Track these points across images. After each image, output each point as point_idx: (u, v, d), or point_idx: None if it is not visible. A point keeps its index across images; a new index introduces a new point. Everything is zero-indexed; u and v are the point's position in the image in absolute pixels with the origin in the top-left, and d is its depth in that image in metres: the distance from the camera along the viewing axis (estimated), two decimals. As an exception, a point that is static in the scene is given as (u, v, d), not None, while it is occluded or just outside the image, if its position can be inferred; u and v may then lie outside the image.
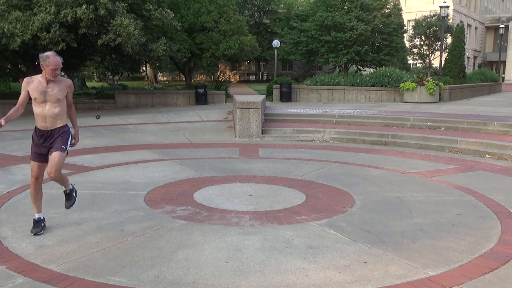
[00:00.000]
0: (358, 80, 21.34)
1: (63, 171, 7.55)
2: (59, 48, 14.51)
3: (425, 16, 32.64)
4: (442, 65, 24.35)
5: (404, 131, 12.05)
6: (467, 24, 52.41)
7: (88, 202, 5.77)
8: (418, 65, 36.70)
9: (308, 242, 4.48)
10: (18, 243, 4.42)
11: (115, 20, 14.56)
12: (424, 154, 9.90)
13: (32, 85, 4.38)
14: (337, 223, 5.10)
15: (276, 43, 30.64)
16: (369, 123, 13.19)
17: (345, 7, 28.36)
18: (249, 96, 17.31)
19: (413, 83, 19.38)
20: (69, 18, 14.04)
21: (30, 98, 4.47)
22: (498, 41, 49.49)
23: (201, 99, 20.31)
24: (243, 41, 23.43)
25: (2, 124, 4.27)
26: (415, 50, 33.21)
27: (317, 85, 21.50)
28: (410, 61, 35.93)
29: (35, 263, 3.96)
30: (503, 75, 52.02)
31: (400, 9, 31.87)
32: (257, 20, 44.20)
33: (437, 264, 4.01)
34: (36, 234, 4.59)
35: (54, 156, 4.40)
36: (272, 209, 5.61)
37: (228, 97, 22.20)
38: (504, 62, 53.50)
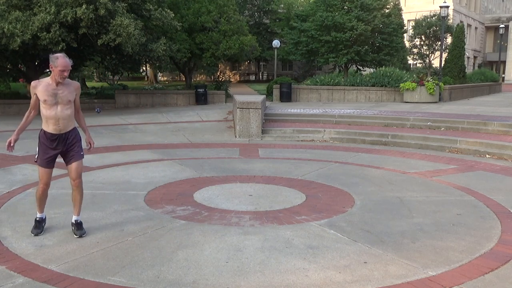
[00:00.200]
0: (358, 80, 21.34)
1: (63, 171, 7.56)
2: (59, 48, 14.50)
3: (425, 16, 32.64)
4: (442, 65, 24.35)
5: (404, 131, 12.05)
6: (467, 24, 52.41)
7: (88, 202, 5.77)
8: (418, 65, 36.71)
9: (308, 242, 4.48)
10: (18, 243, 4.42)
11: (115, 20, 14.56)
12: (424, 154, 9.90)
13: (39, 87, 4.33)
14: (337, 223, 5.10)
15: (276, 43, 30.64)
16: (369, 123, 13.19)
17: (345, 7, 28.36)
18: (249, 96, 17.31)
19: (413, 83, 19.38)
20: (69, 18, 14.03)
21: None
22: (498, 41, 49.49)
23: (201, 99, 20.31)
24: (243, 41, 23.43)
25: (12, 143, 4.45)
26: (415, 50, 33.22)
27: (317, 85, 21.50)
28: (410, 61, 35.93)
29: (35, 263, 3.96)
30: (503, 75, 52.02)
31: (400, 9, 31.87)
32: (257, 20, 44.20)
33: (437, 264, 4.01)
34: (36, 235, 4.58)
35: (77, 165, 4.55)
36: (272, 209, 5.61)
37: (228, 97, 22.20)
38: (504, 62, 53.50)
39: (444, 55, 26.45)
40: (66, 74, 4.29)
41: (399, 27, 29.14)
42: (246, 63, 47.66)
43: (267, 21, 44.28)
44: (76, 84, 4.54)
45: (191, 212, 5.44)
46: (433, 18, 31.81)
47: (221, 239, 4.55)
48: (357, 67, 31.01)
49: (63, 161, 4.69)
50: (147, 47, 17.05)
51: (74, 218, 4.69)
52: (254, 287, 3.56)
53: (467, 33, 46.64)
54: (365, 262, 4.02)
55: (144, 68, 42.34)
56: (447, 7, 23.29)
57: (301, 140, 11.98)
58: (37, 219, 4.68)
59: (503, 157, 9.43)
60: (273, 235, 4.68)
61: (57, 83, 4.32)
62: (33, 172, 7.51)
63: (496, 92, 31.47)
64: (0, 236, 4.61)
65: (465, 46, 28.08)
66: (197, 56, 24.14)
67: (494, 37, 59.57)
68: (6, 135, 11.41)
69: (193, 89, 21.27)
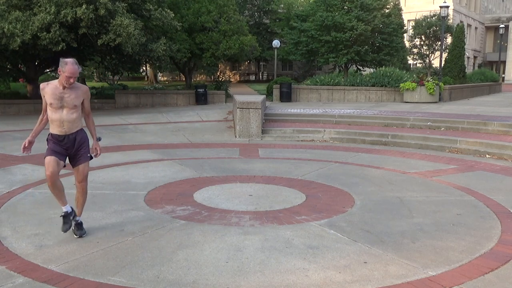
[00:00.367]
0: (358, 80, 21.35)
1: (63, 171, 7.56)
2: (59, 48, 14.52)
3: (425, 16, 32.65)
4: (442, 65, 24.35)
5: (404, 131, 12.05)
6: (467, 24, 52.41)
7: (88, 202, 5.73)
8: (418, 65, 36.71)
9: (308, 242, 4.48)
10: (18, 243, 4.42)
11: (115, 20, 14.56)
12: (424, 154, 9.90)
13: (47, 90, 4.31)
14: (337, 223, 5.10)
15: (276, 43, 30.64)
16: (369, 123, 13.19)
17: (345, 7, 28.36)
18: (249, 96, 17.32)
19: (413, 83, 19.38)
20: (69, 18, 14.04)
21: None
22: (498, 41, 49.49)
23: (201, 99, 20.31)
24: (243, 41, 23.43)
25: (27, 144, 4.35)
26: (415, 50, 33.23)
27: (317, 85, 21.50)
28: (410, 61, 35.94)
29: (35, 263, 3.96)
30: (503, 75, 52.02)
31: (400, 9, 31.87)
32: (257, 20, 44.19)
33: (437, 264, 4.01)
34: (65, 231, 4.50)
35: (83, 167, 4.55)
36: (272, 209, 5.61)
37: (228, 97, 22.20)
38: (504, 62, 53.50)
39: (444, 55, 26.45)
40: (72, 80, 4.26)
41: (399, 27, 29.14)
42: (246, 63, 47.66)
43: (267, 21, 44.28)
44: (84, 88, 4.50)
45: (191, 212, 5.44)
46: (433, 18, 31.82)
47: (221, 239, 4.55)
48: (357, 67, 31.01)
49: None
50: (147, 47, 17.06)
51: (76, 218, 4.66)
52: (254, 287, 3.56)
53: (467, 33, 46.64)
54: (365, 262, 4.02)
55: (144, 68, 42.33)
56: (447, 7, 23.30)
57: (301, 140, 11.98)
58: (63, 214, 4.52)
59: (503, 157, 9.43)
60: (273, 235, 4.68)
61: (64, 87, 4.30)
62: (33, 172, 7.52)
63: (496, 92, 31.48)
64: (0, 236, 4.61)
65: (465, 46, 28.08)
66: (197, 56, 24.14)
67: (494, 37, 59.58)
68: (6, 135, 11.45)
69: (193, 89, 21.27)
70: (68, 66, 4.19)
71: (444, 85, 20.65)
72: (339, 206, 5.76)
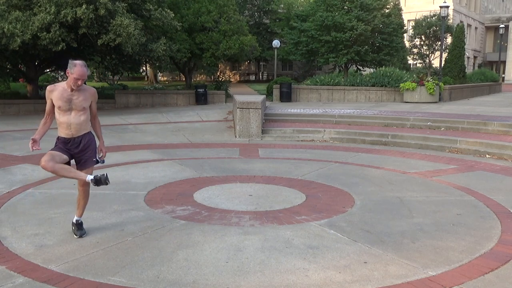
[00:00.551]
0: (358, 80, 21.35)
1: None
2: (59, 48, 14.52)
3: (425, 16, 32.65)
4: (442, 65, 24.35)
5: (404, 131, 12.05)
6: (467, 24, 52.41)
7: (88, 202, 5.76)
8: (418, 65, 36.71)
9: (308, 242, 4.48)
10: (18, 243, 4.42)
11: (115, 20, 14.56)
12: (424, 154, 9.90)
13: (55, 93, 4.24)
14: (337, 223, 5.10)
15: (276, 43, 30.63)
16: (369, 123, 13.19)
17: (345, 7, 28.36)
18: (249, 96, 17.32)
19: (413, 83, 19.38)
20: (69, 18, 14.04)
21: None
22: (498, 41, 49.50)
23: (201, 99, 20.31)
24: (243, 41, 23.43)
25: (35, 143, 4.19)
26: (415, 50, 33.22)
27: (317, 85, 21.50)
28: (410, 61, 35.93)
29: (35, 263, 3.96)
30: (503, 75, 52.02)
31: (400, 9, 31.86)
32: (257, 20, 44.19)
33: (437, 264, 4.01)
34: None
35: (87, 172, 4.48)
36: (272, 209, 5.61)
37: (228, 97, 22.20)
38: (504, 62, 53.50)
39: (444, 55, 26.45)
40: (80, 83, 4.21)
41: (399, 27, 29.14)
42: (246, 63, 47.67)
43: (267, 21, 44.28)
44: (92, 90, 4.46)
45: (191, 212, 5.44)
46: (433, 18, 31.82)
47: (221, 239, 4.55)
48: (357, 67, 31.01)
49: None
50: (147, 47, 17.06)
51: (75, 218, 4.66)
52: (254, 287, 3.56)
53: (467, 33, 46.64)
54: (365, 262, 4.02)
55: (144, 68, 42.33)
56: (447, 7, 23.30)
57: (301, 140, 11.98)
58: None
59: (503, 157, 9.43)
60: (273, 235, 4.68)
61: (72, 89, 4.25)
62: (33, 172, 7.52)
63: (496, 92, 31.48)
64: (0, 236, 4.61)
65: (465, 46, 28.09)
66: (197, 56, 24.14)
67: (494, 37, 59.58)
68: (6, 135, 11.45)
69: (193, 89, 21.27)
70: (77, 68, 4.14)
71: (444, 85, 20.66)
72: (339, 206, 5.76)
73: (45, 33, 14.09)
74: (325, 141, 11.95)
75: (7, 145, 10.24)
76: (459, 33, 26.69)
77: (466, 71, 28.78)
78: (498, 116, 13.03)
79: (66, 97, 4.24)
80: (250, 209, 5.62)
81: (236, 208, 5.62)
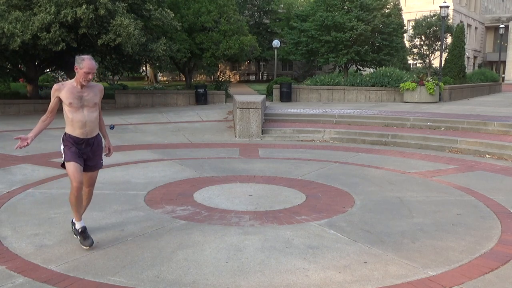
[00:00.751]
0: (358, 80, 21.35)
1: (64, 171, 7.56)
2: (59, 48, 14.52)
3: (425, 16, 32.65)
4: (442, 65, 24.35)
5: (404, 131, 12.06)
6: (467, 24, 52.41)
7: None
8: (418, 65, 36.72)
9: (308, 242, 4.48)
10: (18, 243, 4.42)
11: (115, 20, 14.56)
12: (424, 154, 9.90)
13: (64, 90, 4.15)
14: (337, 223, 5.10)
15: (276, 43, 30.64)
16: (369, 123, 13.19)
17: (345, 7, 28.37)
18: (249, 96, 17.32)
19: (413, 83, 19.38)
20: (69, 18, 14.03)
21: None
22: (498, 41, 49.50)
23: (201, 99, 20.31)
24: (243, 41, 23.43)
25: (29, 142, 4.12)
26: (415, 50, 33.22)
27: (317, 85, 21.50)
28: (410, 61, 35.94)
29: (35, 263, 3.96)
30: (503, 75, 52.04)
31: (400, 9, 31.87)
32: (257, 20, 44.20)
33: (437, 264, 4.01)
34: (91, 245, 4.25)
35: (94, 174, 4.46)
36: (272, 209, 5.61)
37: (228, 97, 22.20)
38: (504, 62, 53.51)
39: (444, 55, 26.45)
40: (91, 76, 4.14)
41: (399, 27, 29.15)
42: (246, 63, 47.67)
43: (267, 21, 44.28)
44: (100, 86, 4.40)
45: (191, 212, 5.44)
46: (433, 18, 31.82)
47: (221, 239, 4.55)
48: (357, 67, 31.01)
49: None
50: (147, 47, 17.05)
51: (78, 225, 4.45)
52: (254, 287, 3.56)
53: (467, 33, 46.65)
54: (365, 262, 4.02)
55: (144, 68, 42.33)
56: (447, 7, 23.30)
57: (301, 140, 11.98)
58: (80, 230, 4.32)
59: (503, 157, 9.43)
60: (273, 235, 4.68)
61: (82, 86, 4.17)
62: (33, 172, 7.52)
63: (496, 92, 31.48)
64: (0, 236, 4.60)
65: (465, 46, 28.09)
66: (197, 56, 24.14)
67: (494, 37, 59.58)
68: (6, 135, 11.44)
69: (193, 89, 21.27)
70: (86, 61, 4.08)
71: (444, 85, 20.66)
72: (339, 206, 5.76)
73: (45, 33, 14.09)
74: (325, 141, 11.95)
75: (7, 145, 10.24)
76: (459, 33, 26.69)
77: (466, 71, 28.78)
78: (498, 116, 13.03)
79: (76, 94, 4.15)
80: (250, 209, 5.62)
81: (236, 208, 5.62)
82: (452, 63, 26.62)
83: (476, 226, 5.03)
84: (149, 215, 5.32)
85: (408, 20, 39.10)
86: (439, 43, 29.48)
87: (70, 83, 4.23)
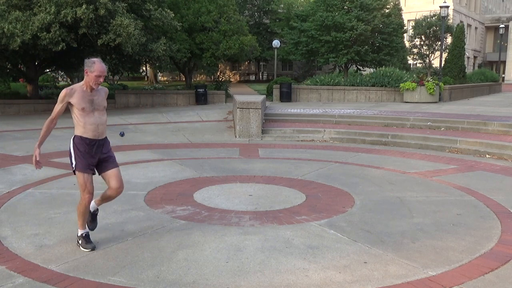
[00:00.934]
0: (358, 80, 21.35)
1: (63, 171, 7.56)
2: (59, 48, 14.52)
3: (425, 16, 32.65)
4: (442, 65, 24.35)
5: (404, 131, 12.05)
6: (467, 24, 52.41)
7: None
8: (418, 65, 36.71)
9: (308, 242, 4.48)
10: (18, 243, 4.42)
11: (115, 20, 14.56)
12: (424, 154, 9.90)
13: (75, 96, 4.07)
14: (337, 223, 5.10)
15: (276, 43, 30.63)
16: (369, 123, 13.19)
17: (345, 7, 28.37)
18: (249, 96, 17.32)
19: (413, 83, 19.38)
20: (69, 18, 14.04)
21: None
22: (498, 41, 49.50)
23: (201, 99, 20.32)
24: (243, 41, 23.43)
25: (37, 158, 4.11)
26: (415, 50, 33.22)
27: (317, 85, 21.50)
28: (410, 61, 35.94)
29: (35, 263, 3.96)
30: (503, 75, 52.03)
31: (400, 9, 31.87)
32: (257, 20, 44.19)
33: (437, 264, 4.01)
34: (93, 249, 4.24)
35: (118, 172, 4.32)
36: (272, 209, 5.61)
37: (228, 97, 22.21)
38: (504, 62, 53.50)
39: (444, 55, 26.45)
40: (101, 80, 4.10)
41: (399, 27, 29.15)
42: (246, 63, 47.66)
43: (267, 21, 44.28)
44: (105, 89, 4.37)
45: (191, 212, 5.44)
46: (433, 18, 31.81)
47: (221, 239, 4.55)
48: (357, 67, 31.01)
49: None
50: (147, 47, 17.06)
51: (93, 206, 4.42)
52: (254, 287, 3.56)
53: (467, 33, 46.65)
54: (365, 262, 4.02)
55: (144, 68, 42.33)
56: (447, 7, 23.30)
57: (301, 140, 11.98)
58: (84, 234, 4.32)
59: (503, 157, 9.43)
60: (273, 235, 4.68)
61: (91, 89, 4.12)
62: (33, 172, 7.52)
63: (496, 92, 31.48)
64: (0, 236, 4.60)
65: (465, 46, 28.09)
66: (197, 56, 24.14)
67: (494, 37, 59.58)
68: (6, 135, 11.45)
69: (193, 89, 21.27)
70: (97, 64, 4.03)
71: (444, 85, 20.66)
72: (339, 206, 5.76)
73: (45, 33, 14.09)
74: (325, 141, 11.95)
75: (7, 145, 10.24)
76: (459, 33, 26.69)
77: (466, 71, 28.78)
78: (498, 116, 13.03)
79: (88, 98, 4.11)
80: (250, 209, 5.62)
81: (236, 208, 5.62)
82: (452, 63, 26.62)
83: (476, 226, 5.03)
84: (149, 215, 5.32)
85: (408, 20, 39.10)
86: (439, 43, 29.48)
87: (79, 86, 4.14)
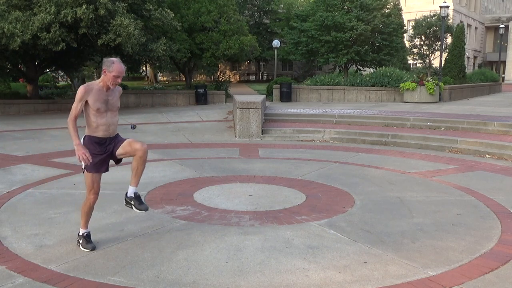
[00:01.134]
0: (358, 80, 21.35)
1: (63, 171, 7.56)
2: (59, 48, 14.52)
3: (425, 16, 32.65)
4: (442, 65, 24.35)
5: (404, 131, 12.05)
6: (467, 24, 52.41)
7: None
8: (418, 65, 36.71)
9: (308, 242, 4.48)
10: (18, 243, 4.42)
11: (115, 20, 14.56)
12: (424, 154, 9.90)
13: (92, 94, 4.01)
14: (337, 223, 5.10)
15: (276, 43, 30.63)
16: (369, 123, 13.19)
17: (345, 7, 28.37)
18: (249, 96, 17.32)
19: (413, 83, 19.38)
20: (69, 18, 14.04)
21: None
22: (498, 41, 49.50)
23: (201, 99, 20.32)
24: (243, 41, 23.43)
25: (84, 151, 3.99)
26: (415, 50, 33.22)
27: (317, 85, 21.50)
28: (410, 61, 35.94)
29: (35, 263, 3.96)
30: (503, 75, 52.02)
31: (400, 9, 31.87)
32: (257, 20, 44.19)
33: (437, 264, 4.01)
34: (93, 249, 4.23)
35: (130, 139, 4.21)
36: (272, 209, 5.61)
37: (228, 97, 22.21)
38: (504, 62, 53.50)
39: (444, 55, 26.45)
40: (119, 80, 4.04)
41: (399, 27, 29.15)
42: (246, 63, 47.65)
43: (267, 21, 44.28)
44: (120, 89, 4.33)
45: (191, 212, 5.44)
46: (433, 18, 31.81)
47: (221, 239, 4.55)
48: (357, 67, 31.01)
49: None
50: (147, 47, 17.06)
51: (131, 190, 4.25)
52: (254, 287, 3.56)
53: (467, 33, 46.65)
54: (365, 262, 4.02)
55: (144, 68, 42.32)
56: (447, 7, 23.30)
57: (301, 140, 11.98)
58: (85, 234, 4.30)
59: (503, 157, 9.43)
60: (273, 235, 4.68)
61: (108, 89, 4.07)
62: (33, 172, 7.52)
63: (496, 92, 31.48)
64: (0, 236, 4.60)
65: (465, 46, 28.08)
66: (197, 56, 24.14)
67: (494, 37, 59.58)
68: (6, 135, 11.44)
69: (193, 89, 21.28)
70: (116, 65, 3.97)
71: (444, 85, 20.65)
72: (339, 206, 5.76)
73: (45, 33, 14.09)
74: (325, 141, 11.95)
75: (7, 145, 10.24)
76: (459, 33, 26.69)
77: (466, 71, 28.78)
78: (498, 116, 13.03)
79: (103, 98, 4.07)
80: (250, 209, 5.62)
81: (236, 208, 5.62)
82: (452, 63, 26.62)
83: (476, 226, 5.03)
84: (149, 215, 5.32)
85: (408, 20, 39.10)
86: (439, 43, 29.48)
87: (96, 84, 4.08)
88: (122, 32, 14.51)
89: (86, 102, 4.04)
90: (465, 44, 27.63)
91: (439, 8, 24.03)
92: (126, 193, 4.33)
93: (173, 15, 17.99)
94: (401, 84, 19.73)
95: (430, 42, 32.24)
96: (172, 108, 18.89)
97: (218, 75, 35.14)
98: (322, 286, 3.59)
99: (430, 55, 32.79)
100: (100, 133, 4.13)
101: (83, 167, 4.15)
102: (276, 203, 5.89)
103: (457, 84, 23.95)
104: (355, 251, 4.28)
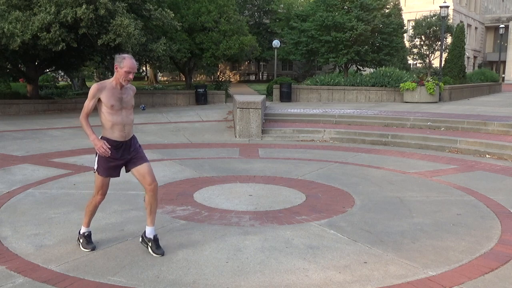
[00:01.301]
0: (358, 80, 21.35)
1: (63, 171, 7.56)
2: (59, 48, 14.52)
3: (425, 16, 32.66)
4: (442, 65, 24.36)
5: (404, 131, 12.05)
6: (467, 24, 52.41)
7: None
8: (418, 65, 36.72)
9: (308, 242, 4.48)
10: (18, 243, 4.42)
11: (115, 20, 14.56)
12: (424, 154, 9.90)
13: (105, 91, 3.96)
14: (337, 223, 5.10)
15: (276, 43, 30.63)
16: (369, 123, 13.19)
17: (345, 7, 28.37)
18: (249, 96, 17.32)
19: (413, 83, 19.39)
20: (69, 18, 14.04)
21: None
22: (498, 41, 49.51)
23: (201, 99, 20.32)
24: (243, 41, 23.44)
25: (101, 144, 3.97)
26: (415, 50, 33.22)
27: (317, 85, 21.51)
28: (410, 61, 35.94)
29: (35, 263, 3.96)
30: (503, 75, 52.03)
31: (400, 9, 31.88)
32: (257, 20, 44.18)
33: (437, 264, 4.01)
34: (93, 249, 4.21)
35: (149, 167, 4.25)
36: (272, 209, 5.61)
37: (228, 97, 22.21)
38: (504, 62, 53.51)
39: (444, 55, 26.46)
40: (131, 76, 4.00)
41: (399, 27, 29.14)
42: (246, 63, 47.65)
43: (267, 21, 44.26)
44: (133, 87, 4.31)
45: (191, 212, 5.44)
46: (433, 18, 31.83)
47: (221, 239, 4.55)
48: (357, 67, 31.01)
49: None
50: (147, 47, 17.06)
51: (150, 231, 4.20)
52: (254, 287, 3.56)
53: (467, 33, 46.64)
54: (365, 262, 4.02)
55: (144, 68, 42.32)
56: (447, 7, 23.31)
57: (301, 140, 11.98)
58: (86, 234, 4.29)
59: (503, 157, 9.43)
60: (273, 235, 4.68)
61: (121, 86, 4.04)
62: (33, 172, 7.52)
63: (496, 92, 31.47)
64: (0, 236, 4.60)
65: (465, 46, 28.09)
66: (197, 56, 24.15)
67: (494, 37, 59.59)
68: (6, 135, 11.44)
69: (193, 89, 21.28)
70: (127, 60, 3.93)
71: (444, 85, 20.66)
72: (339, 206, 5.76)
73: (45, 33, 14.09)
74: (325, 141, 11.95)
75: (7, 145, 10.24)
76: (459, 33, 26.70)
77: (466, 71, 28.79)
78: (498, 116, 13.03)
79: (117, 95, 4.02)
80: (250, 209, 5.62)
81: (236, 208, 5.62)
82: (452, 63, 26.63)
83: (476, 226, 5.03)
84: (149, 215, 5.31)
85: (408, 20, 39.10)
86: (439, 43, 29.49)
87: (109, 83, 4.04)
88: (122, 32, 14.51)
89: (99, 100, 4.00)
90: (465, 44, 27.64)
91: (439, 8, 24.05)
92: (144, 232, 4.27)
93: (173, 15, 17.98)
94: (401, 84, 19.73)
95: (430, 42, 32.25)
96: (172, 108, 18.89)
97: (218, 75, 35.13)
98: (322, 286, 3.59)
99: (430, 55, 32.80)
100: (116, 134, 4.07)
101: (95, 168, 4.14)
102: (276, 203, 5.89)
103: (457, 84, 23.96)
104: (355, 251, 4.28)
